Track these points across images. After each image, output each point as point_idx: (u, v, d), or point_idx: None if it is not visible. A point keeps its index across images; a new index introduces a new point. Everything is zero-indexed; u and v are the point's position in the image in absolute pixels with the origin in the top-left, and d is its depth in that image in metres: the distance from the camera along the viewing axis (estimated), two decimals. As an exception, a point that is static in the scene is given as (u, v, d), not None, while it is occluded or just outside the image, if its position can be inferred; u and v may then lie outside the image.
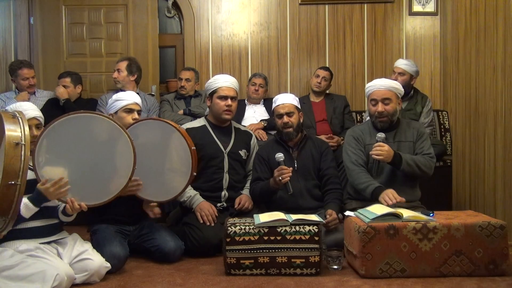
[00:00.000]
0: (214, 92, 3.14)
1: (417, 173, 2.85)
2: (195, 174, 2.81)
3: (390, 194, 2.70)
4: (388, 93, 2.92)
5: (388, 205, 2.64)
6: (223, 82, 3.14)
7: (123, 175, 2.52)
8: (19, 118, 2.14)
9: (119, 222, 2.84)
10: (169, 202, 3.14)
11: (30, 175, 2.40)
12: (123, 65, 4.00)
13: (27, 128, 2.12)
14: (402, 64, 3.87)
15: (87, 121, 2.51)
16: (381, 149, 2.77)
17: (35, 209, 2.34)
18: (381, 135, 2.85)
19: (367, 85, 3.05)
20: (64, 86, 3.99)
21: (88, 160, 2.49)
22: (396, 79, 3.60)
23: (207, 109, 3.34)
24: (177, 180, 2.81)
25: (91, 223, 2.88)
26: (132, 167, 2.51)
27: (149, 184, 2.78)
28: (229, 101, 3.11)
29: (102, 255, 2.49)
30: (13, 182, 1.99)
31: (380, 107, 2.91)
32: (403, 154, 2.84)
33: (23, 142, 2.05)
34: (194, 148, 2.81)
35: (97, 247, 2.56)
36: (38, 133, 2.43)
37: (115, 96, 2.95)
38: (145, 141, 2.76)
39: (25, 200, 2.28)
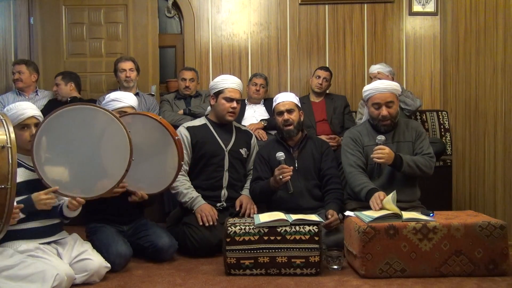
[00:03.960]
0: (220, 92, 3.14)
1: (417, 173, 2.83)
2: (182, 163, 2.79)
3: (378, 199, 2.62)
4: (391, 96, 2.90)
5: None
6: (231, 83, 3.15)
7: (120, 166, 2.45)
8: (3, 121, 2.09)
9: (114, 222, 2.85)
10: (160, 193, 2.98)
11: (29, 175, 2.42)
12: (133, 65, 4.09)
13: (11, 130, 2.06)
14: (376, 68, 4.05)
15: (82, 113, 2.46)
16: (382, 152, 2.75)
17: (21, 216, 2.30)
18: (381, 137, 2.83)
19: (366, 88, 2.98)
20: (56, 85, 4.04)
21: (85, 152, 2.45)
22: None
23: (208, 108, 3.33)
24: (167, 172, 2.75)
25: (86, 222, 2.87)
26: (129, 158, 2.44)
27: (140, 177, 2.73)
28: (234, 104, 3.12)
29: (108, 254, 2.51)
30: (3, 186, 1.95)
31: (384, 110, 2.87)
32: (403, 155, 2.82)
33: (9, 145, 2.00)
34: (179, 138, 2.78)
35: (101, 246, 2.57)
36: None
37: (113, 95, 2.92)
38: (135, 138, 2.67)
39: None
